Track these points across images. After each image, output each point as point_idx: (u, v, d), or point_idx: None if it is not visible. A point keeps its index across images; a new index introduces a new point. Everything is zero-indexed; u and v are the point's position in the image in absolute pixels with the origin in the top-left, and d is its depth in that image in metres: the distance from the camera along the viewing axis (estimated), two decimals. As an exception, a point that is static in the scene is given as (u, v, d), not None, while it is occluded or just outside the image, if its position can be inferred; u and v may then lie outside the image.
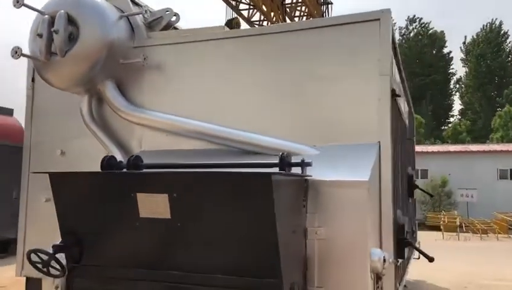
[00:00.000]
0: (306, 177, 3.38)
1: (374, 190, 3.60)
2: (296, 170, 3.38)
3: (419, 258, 8.48)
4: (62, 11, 4.42)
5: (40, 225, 4.98)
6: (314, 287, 3.30)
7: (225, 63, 4.45)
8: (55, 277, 3.44)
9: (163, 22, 5.04)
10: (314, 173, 3.45)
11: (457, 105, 59.62)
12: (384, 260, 3.32)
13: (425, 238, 17.32)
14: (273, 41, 4.30)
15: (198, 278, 3.03)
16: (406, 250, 4.64)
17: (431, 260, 4.77)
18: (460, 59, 58.71)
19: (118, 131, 4.82)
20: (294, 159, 3.40)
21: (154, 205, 3.05)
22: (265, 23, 22.95)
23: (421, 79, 55.21)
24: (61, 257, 3.41)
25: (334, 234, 3.32)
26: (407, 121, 6.72)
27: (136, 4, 5.06)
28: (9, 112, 11.76)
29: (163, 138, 4.58)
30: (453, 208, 22.21)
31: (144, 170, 3.68)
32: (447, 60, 58.55)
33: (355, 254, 3.27)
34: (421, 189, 7.05)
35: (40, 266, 3.36)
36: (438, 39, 57.92)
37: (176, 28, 5.39)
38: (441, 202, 22.75)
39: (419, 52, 56.73)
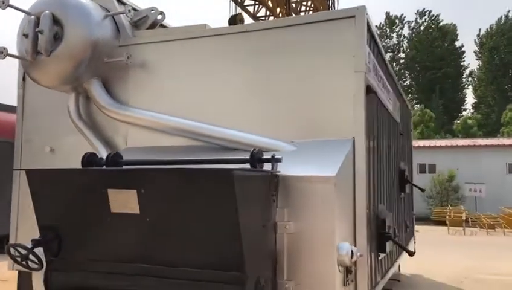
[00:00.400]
0: (276, 173, 3.44)
1: (345, 184, 3.65)
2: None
3: (414, 252, 8.54)
4: (47, 11, 4.52)
5: (32, 221, 5.10)
6: (283, 280, 3.37)
7: (205, 61, 4.54)
8: (34, 270, 3.56)
9: (148, 21, 5.13)
10: (288, 169, 3.52)
11: (470, 99, 59.07)
12: (352, 254, 3.38)
13: (430, 233, 17.30)
14: (251, 39, 4.37)
15: (166, 271, 3.12)
16: (388, 244, 4.67)
17: (411, 254, 4.82)
18: (474, 52, 58.11)
19: (103, 128, 4.93)
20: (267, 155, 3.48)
21: (124, 201, 3.14)
22: (271, 18, 23.03)
23: (432, 73, 54.78)
24: (39, 251, 3.53)
25: (302, 228, 3.39)
26: (398, 117, 6.74)
27: (122, 3, 5.15)
28: (13, 109, 11.95)
29: (147, 134, 4.67)
30: (460, 203, 22.08)
31: (123, 167, 3.79)
32: (459, 53, 57.93)
33: (323, 247, 3.34)
34: (412, 184, 7.07)
35: (19, 259, 3.48)
36: (450, 32, 57.32)
37: (164, 26, 5.49)
38: (448, 196, 22.63)
39: (430, 45, 56.24)
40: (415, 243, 8.75)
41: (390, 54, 58.50)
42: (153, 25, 5.18)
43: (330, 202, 3.36)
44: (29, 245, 3.51)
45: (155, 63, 4.76)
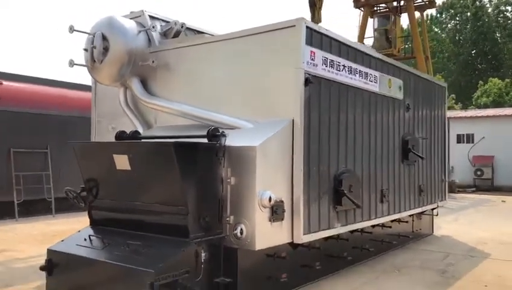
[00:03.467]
0: (223, 144, 5.00)
1: (274, 151, 5.08)
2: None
3: (437, 215, 9.48)
4: (99, 32, 6.49)
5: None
6: (227, 215, 4.97)
7: (201, 62, 6.18)
8: (80, 207, 5.61)
9: (173, 31, 6.89)
10: (237, 141, 5.08)
11: None
12: (271, 199, 4.86)
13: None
14: (227, 45, 5.92)
15: (145, 206, 4.95)
16: (344, 199, 5.97)
17: (358, 206, 6.05)
18: None
19: (141, 112, 6.84)
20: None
21: (122, 162, 4.98)
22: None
23: None
24: (84, 194, 5.58)
25: (238, 181, 4.95)
26: (399, 94, 7.74)
27: (155, 18, 6.96)
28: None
29: (168, 116, 6.47)
30: None
31: (129, 140, 5.68)
32: None
33: (249, 194, 4.87)
34: (414, 152, 7.99)
35: (71, 199, 5.56)
36: None
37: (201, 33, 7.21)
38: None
39: None
40: (437, 207, 9.57)
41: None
42: (177, 33, 6.93)
43: (253, 163, 4.85)
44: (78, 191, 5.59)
45: (172, 64, 6.50)
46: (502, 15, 53.04)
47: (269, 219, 4.98)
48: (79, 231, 5.52)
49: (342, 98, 6.20)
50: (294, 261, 5.70)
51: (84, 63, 6.77)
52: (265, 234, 4.96)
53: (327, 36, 5.83)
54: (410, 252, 8.22)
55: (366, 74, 6.74)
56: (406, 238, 8.64)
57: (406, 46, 28.60)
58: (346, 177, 6.07)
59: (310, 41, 5.47)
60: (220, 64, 6.02)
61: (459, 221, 12.60)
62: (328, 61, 5.83)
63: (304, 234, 5.37)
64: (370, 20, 24.21)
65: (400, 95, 7.83)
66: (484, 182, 24.80)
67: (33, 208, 12.10)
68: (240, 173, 4.96)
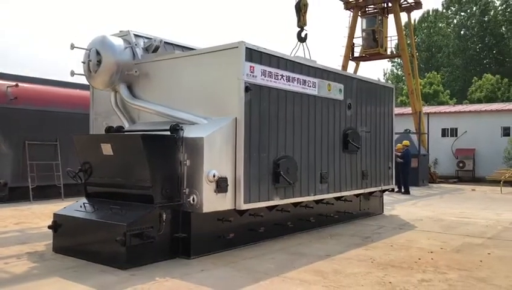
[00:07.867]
0: (181, 136, 6.79)
1: (219, 141, 6.84)
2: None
3: (392, 190, 11.22)
4: (94, 48, 8.30)
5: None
6: (184, 187, 6.77)
7: (171, 72, 7.97)
8: (78, 183, 7.46)
9: (153, 46, 8.68)
10: (192, 132, 6.87)
11: None
12: (214, 175, 6.65)
13: (481, 192, 18.46)
14: (190, 60, 7.71)
15: (122, 182, 6.78)
16: (281, 178, 7.73)
17: (290, 184, 7.79)
18: None
19: (128, 111, 8.65)
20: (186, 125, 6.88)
21: (107, 149, 6.81)
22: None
23: None
24: (81, 174, 7.42)
25: (192, 163, 6.74)
26: (339, 96, 9.47)
27: (139, 36, 8.75)
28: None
29: (147, 115, 8.28)
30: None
31: (114, 133, 7.50)
32: None
33: (199, 171, 6.66)
34: (352, 143, 9.70)
35: (72, 177, 7.41)
36: None
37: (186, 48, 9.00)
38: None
39: None
40: (382, 190, 11.28)
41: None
42: (156, 48, 8.70)
43: (201, 150, 6.63)
44: (76, 171, 7.43)
45: (151, 73, 8.30)
46: (509, 9, 52.72)
47: (214, 190, 6.77)
48: (77, 201, 7.38)
49: (281, 100, 7.95)
50: (241, 225, 7.49)
51: (82, 73, 8.59)
52: (211, 202, 6.74)
53: (266, 53, 7.58)
54: (352, 225, 9.95)
55: (305, 80, 8.49)
56: (350, 215, 10.36)
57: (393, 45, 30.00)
58: (283, 162, 7.83)
59: (249, 58, 7.23)
60: (185, 74, 7.81)
61: (417, 205, 14.31)
62: (267, 72, 7.59)
63: (245, 203, 7.15)
64: (359, 21, 25.77)
65: (340, 97, 9.55)
66: (466, 174, 26.41)
67: (45, 193, 13.99)
68: (193, 156, 6.75)
